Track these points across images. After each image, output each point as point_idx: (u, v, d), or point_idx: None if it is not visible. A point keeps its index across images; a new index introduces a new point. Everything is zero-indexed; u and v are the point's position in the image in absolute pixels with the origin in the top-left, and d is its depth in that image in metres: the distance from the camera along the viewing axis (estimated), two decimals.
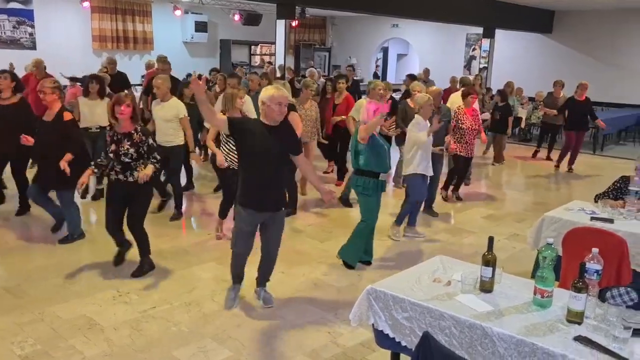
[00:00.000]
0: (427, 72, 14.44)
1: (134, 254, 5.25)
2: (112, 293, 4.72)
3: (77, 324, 4.19)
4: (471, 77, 12.27)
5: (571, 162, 10.46)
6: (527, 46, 16.42)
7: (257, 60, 18.50)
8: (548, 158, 11.43)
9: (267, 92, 4.08)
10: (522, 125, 13.63)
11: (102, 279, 5.00)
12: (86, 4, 13.97)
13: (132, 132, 4.81)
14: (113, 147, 4.79)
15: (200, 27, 16.46)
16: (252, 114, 6.62)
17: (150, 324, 4.25)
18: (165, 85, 6.38)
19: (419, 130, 6.00)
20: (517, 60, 16.26)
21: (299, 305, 4.62)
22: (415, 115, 6.20)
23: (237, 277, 4.61)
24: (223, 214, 6.11)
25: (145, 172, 4.78)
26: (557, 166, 10.57)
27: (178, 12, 15.37)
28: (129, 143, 4.78)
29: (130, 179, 4.83)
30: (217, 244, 5.99)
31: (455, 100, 8.70)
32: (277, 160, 4.17)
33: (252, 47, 18.27)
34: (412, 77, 11.30)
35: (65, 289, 4.80)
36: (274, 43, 11.33)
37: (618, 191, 4.89)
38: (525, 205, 8.17)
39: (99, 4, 14.72)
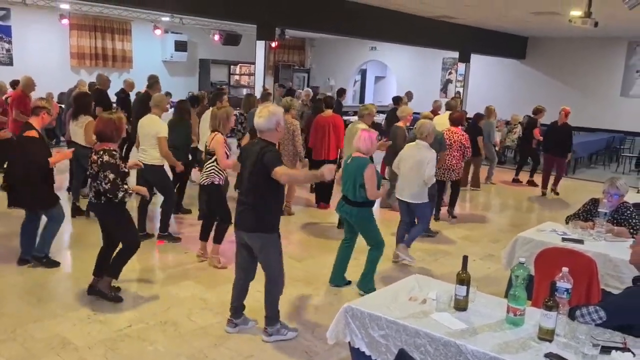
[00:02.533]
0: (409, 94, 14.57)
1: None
2: (87, 312, 4.66)
3: (50, 343, 4.12)
4: (447, 99, 12.43)
5: (554, 184, 10.48)
6: (501, 71, 16.83)
7: (236, 80, 18.60)
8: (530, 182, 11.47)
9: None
10: (497, 148, 13.83)
11: (76, 297, 4.94)
12: (65, 21, 13.94)
13: None
14: (122, 164, 4.64)
15: (180, 46, 16.53)
16: None
17: (126, 343, 4.21)
18: None
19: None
20: (492, 84, 16.64)
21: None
22: (419, 141, 6.15)
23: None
24: (220, 238, 5.85)
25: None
26: (544, 193, 10.50)
27: (158, 32, 15.42)
28: None
29: None
30: (194, 263, 5.97)
31: (439, 123, 8.80)
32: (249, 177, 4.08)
33: (232, 66, 18.38)
34: (397, 100, 11.38)
35: (39, 307, 4.73)
36: (254, 63, 11.43)
37: (588, 213, 5.03)
38: (500, 227, 8.31)
39: (78, 21, 14.71)
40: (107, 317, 4.59)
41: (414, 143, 6.26)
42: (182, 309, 4.83)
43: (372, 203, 5.22)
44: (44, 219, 5.59)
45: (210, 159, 5.63)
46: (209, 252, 5.95)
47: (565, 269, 3.01)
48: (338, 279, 5.47)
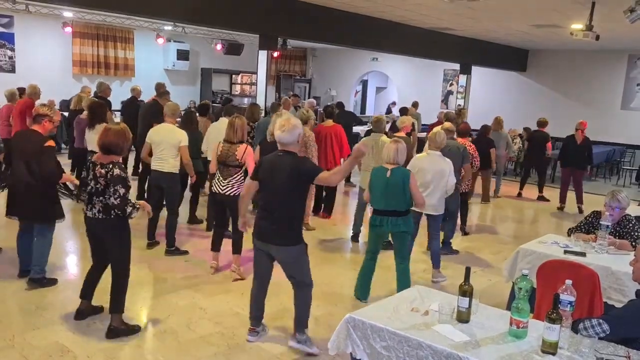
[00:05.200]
0: (416, 104, 14.49)
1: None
2: (86, 320, 4.62)
3: (49, 352, 4.10)
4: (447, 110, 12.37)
5: (578, 201, 10.22)
6: (502, 83, 16.86)
7: (237, 89, 18.64)
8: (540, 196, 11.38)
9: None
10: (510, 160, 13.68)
11: (76, 305, 4.89)
12: (68, 29, 13.99)
13: None
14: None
15: (182, 55, 16.58)
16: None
17: (125, 352, 4.18)
18: None
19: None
20: (493, 96, 16.66)
21: (276, 335, 4.59)
22: (431, 151, 6.11)
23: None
24: (239, 248, 5.86)
25: None
26: (561, 208, 10.35)
27: (160, 41, 15.47)
28: None
29: None
30: (194, 272, 5.94)
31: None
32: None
33: (233, 76, 18.43)
34: (403, 110, 11.40)
35: (38, 315, 4.70)
36: (255, 73, 11.46)
37: (590, 225, 5.02)
38: (501, 239, 8.30)
39: (81, 29, 14.76)
40: (106, 325, 4.54)
41: (424, 154, 6.21)
42: (181, 318, 4.80)
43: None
44: None
45: (238, 170, 5.68)
46: (219, 263, 5.95)
47: (568, 282, 3.00)
48: (365, 292, 5.41)
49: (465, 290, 3.09)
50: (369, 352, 3.08)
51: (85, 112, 8.37)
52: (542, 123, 11.24)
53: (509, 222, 9.61)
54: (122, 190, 4.21)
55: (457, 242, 7.76)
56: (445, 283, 6.05)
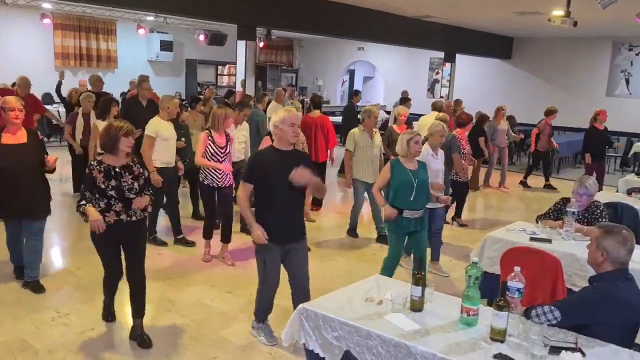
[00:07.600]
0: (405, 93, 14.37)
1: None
2: (52, 314, 4.59)
3: (9, 347, 4.05)
4: (443, 100, 12.08)
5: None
6: (487, 71, 16.81)
7: (224, 80, 18.50)
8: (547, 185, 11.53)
9: (278, 115, 3.92)
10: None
11: (42, 299, 4.86)
12: (47, 21, 13.81)
13: (131, 164, 4.17)
14: (113, 182, 4.04)
15: (166, 46, 16.42)
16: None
17: (87, 346, 4.14)
18: None
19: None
20: (478, 84, 16.62)
21: (243, 326, 4.57)
22: (425, 144, 5.92)
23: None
24: (208, 234, 6.13)
25: (143, 200, 4.17)
26: None
27: (142, 31, 15.30)
28: (130, 177, 4.12)
29: (134, 218, 4.15)
30: (168, 263, 5.91)
31: (424, 123, 8.57)
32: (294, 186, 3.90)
33: (219, 67, 18.29)
34: (403, 101, 11.25)
35: (1, 310, 4.65)
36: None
37: (559, 212, 5.00)
38: (481, 226, 8.28)
39: (62, 21, 14.60)
40: (71, 319, 4.53)
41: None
42: (147, 310, 4.73)
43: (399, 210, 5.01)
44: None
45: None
46: (212, 252, 6.15)
47: (517, 269, 2.98)
48: None
49: (418, 279, 3.07)
50: (320, 343, 3.05)
51: (80, 108, 8.55)
52: (546, 112, 11.29)
53: (491, 209, 9.60)
54: (82, 187, 4.13)
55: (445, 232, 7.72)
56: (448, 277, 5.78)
